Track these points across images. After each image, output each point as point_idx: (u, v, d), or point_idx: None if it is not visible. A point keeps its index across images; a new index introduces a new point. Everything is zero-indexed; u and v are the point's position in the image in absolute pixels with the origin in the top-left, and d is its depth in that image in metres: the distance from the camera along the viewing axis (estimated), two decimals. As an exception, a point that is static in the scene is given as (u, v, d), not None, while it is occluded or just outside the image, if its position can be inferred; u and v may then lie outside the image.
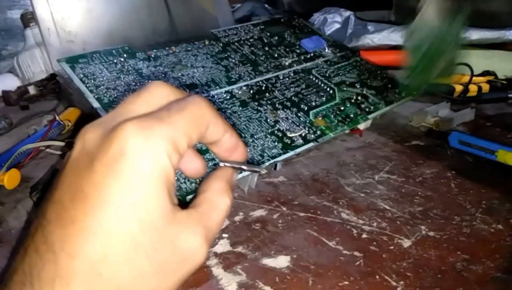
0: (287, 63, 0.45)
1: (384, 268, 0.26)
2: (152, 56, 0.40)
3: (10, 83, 0.53)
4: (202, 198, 0.19)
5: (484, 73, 0.52)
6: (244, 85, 0.40)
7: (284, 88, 0.41)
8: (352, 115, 0.39)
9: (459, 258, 0.27)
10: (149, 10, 0.57)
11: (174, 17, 0.59)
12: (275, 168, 0.36)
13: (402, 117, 0.50)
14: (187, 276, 0.18)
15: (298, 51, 0.47)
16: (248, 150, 0.33)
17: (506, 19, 0.57)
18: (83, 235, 0.15)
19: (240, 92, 0.39)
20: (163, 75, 0.38)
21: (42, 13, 0.50)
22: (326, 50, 0.49)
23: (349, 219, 0.31)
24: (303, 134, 0.36)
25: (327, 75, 0.44)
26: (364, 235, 0.30)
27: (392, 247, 0.27)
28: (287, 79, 0.42)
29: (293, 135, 0.35)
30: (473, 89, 0.56)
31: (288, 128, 0.36)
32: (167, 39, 0.56)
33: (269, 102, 0.38)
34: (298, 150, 0.34)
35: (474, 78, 0.50)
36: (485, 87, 0.51)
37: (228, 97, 0.38)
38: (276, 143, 0.34)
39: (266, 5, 0.81)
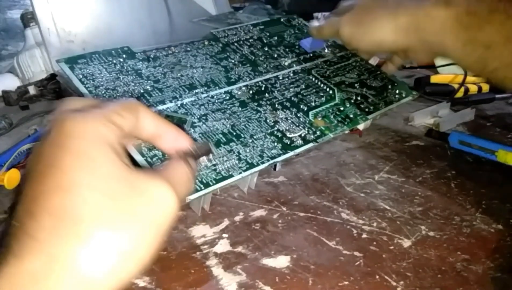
0: (286, 64, 0.45)
1: (384, 268, 0.26)
2: (152, 56, 0.40)
3: (10, 83, 0.53)
4: (161, 168, 0.21)
5: None
6: (244, 86, 0.40)
7: (284, 88, 0.41)
8: (351, 116, 0.39)
9: (459, 258, 0.27)
10: (149, 10, 0.57)
11: (174, 17, 0.59)
12: (274, 169, 0.36)
13: (402, 117, 0.50)
14: (164, 228, 0.18)
15: (297, 51, 0.47)
16: (248, 151, 0.32)
17: None
18: (47, 198, 0.16)
19: (239, 93, 0.39)
20: (162, 76, 0.38)
21: (42, 13, 0.51)
22: (326, 50, 0.49)
23: (349, 219, 0.31)
24: (302, 135, 0.36)
25: (327, 75, 0.44)
26: (364, 235, 0.29)
27: (392, 247, 0.27)
28: (286, 79, 0.42)
29: (292, 135, 0.35)
30: (473, 89, 0.56)
31: (287, 128, 0.36)
32: (167, 39, 0.57)
33: (268, 102, 0.38)
34: (297, 151, 0.34)
35: (474, 78, 0.50)
36: (485, 87, 0.51)
37: (227, 98, 0.38)
38: (275, 144, 0.34)
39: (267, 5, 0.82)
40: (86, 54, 0.37)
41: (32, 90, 0.50)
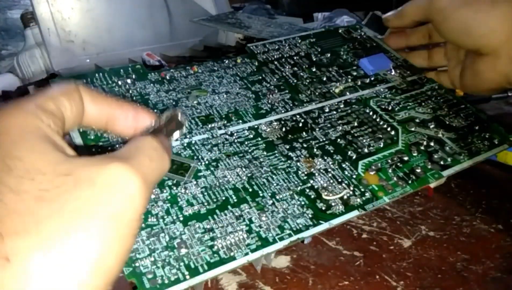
0: (337, 90, 0.35)
1: (384, 268, 0.25)
2: (167, 77, 0.33)
3: (10, 83, 0.52)
4: (119, 149, 0.17)
5: None
6: (276, 120, 0.31)
7: (329, 125, 0.31)
8: (419, 170, 0.29)
9: (459, 258, 0.27)
10: (149, 10, 0.57)
11: (174, 17, 0.59)
12: (302, 242, 0.27)
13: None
14: (121, 207, 0.14)
15: (354, 73, 0.37)
16: (264, 218, 0.24)
17: None
18: None
19: (268, 130, 0.30)
20: (173, 103, 0.31)
21: (42, 13, 0.51)
22: (393, 73, 0.38)
23: (349, 219, 0.27)
24: (345, 197, 0.26)
25: (390, 108, 0.34)
26: (364, 235, 0.30)
27: (392, 247, 0.27)
28: (334, 112, 0.33)
29: (331, 197, 0.26)
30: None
31: (325, 185, 0.27)
32: (167, 39, 0.58)
33: (305, 145, 0.29)
34: (335, 222, 0.25)
35: None
36: None
37: (251, 136, 0.29)
38: (304, 209, 0.25)
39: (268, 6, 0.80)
40: (88, 73, 0.31)
41: (32, 90, 0.49)
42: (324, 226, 0.24)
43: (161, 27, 0.58)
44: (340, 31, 0.43)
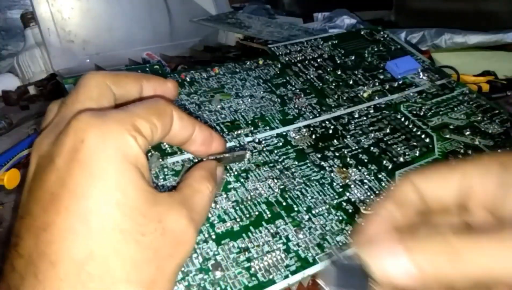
0: (365, 94, 0.33)
1: None
2: (188, 79, 0.31)
3: (10, 83, 0.51)
4: (183, 184, 0.19)
5: (484, 73, 0.48)
6: (304, 126, 0.29)
7: (360, 132, 0.29)
8: (459, 181, 0.27)
9: None
10: (149, 10, 0.56)
11: (174, 17, 0.58)
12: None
13: None
14: (183, 261, 0.17)
15: (381, 76, 0.35)
16: (301, 236, 0.22)
17: (505, 20, 0.60)
18: (60, 237, 0.14)
19: (297, 137, 0.28)
20: (196, 107, 0.29)
21: (42, 13, 0.50)
22: (421, 76, 0.36)
23: None
24: (385, 211, 0.24)
25: (422, 114, 0.32)
26: None
27: None
28: (364, 118, 0.31)
29: (370, 212, 0.24)
30: (473, 88, 0.44)
31: (362, 198, 0.25)
32: (167, 39, 0.57)
33: (337, 153, 0.27)
34: (376, 239, 0.23)
35: (474, 78, 0.46)
36: (485, 87, 0.45)
37: (280, 144, 0.27)
38: (343, 225, 0.23)
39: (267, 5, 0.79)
40: (103, 74, 0.29)
41: (32, 90, 0.48)
42: (366, 243, 0.22)
43: (161, 27, 0.58)
44: (362, 32, 0.41)
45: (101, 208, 0.15)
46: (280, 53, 0.36)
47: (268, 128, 0.28)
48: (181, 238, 0.16)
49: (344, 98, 0.32)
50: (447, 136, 0.30)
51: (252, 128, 0.28)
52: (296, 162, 0.26)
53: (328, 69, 0.35)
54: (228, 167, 0.25)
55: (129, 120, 0.16)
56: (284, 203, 0.23)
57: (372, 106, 0.32)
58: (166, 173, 0.23)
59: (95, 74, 0.19)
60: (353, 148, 0.28)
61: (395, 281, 0.14)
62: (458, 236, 0.13)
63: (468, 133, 0.31)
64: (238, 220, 0.22)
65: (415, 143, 0.29)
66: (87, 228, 0.14)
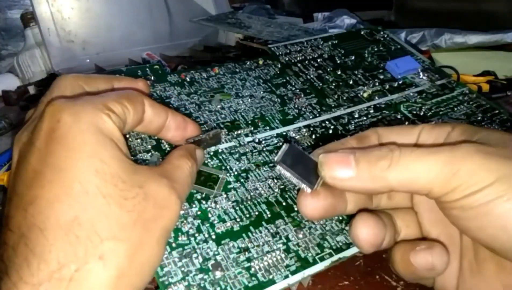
0: (365, 94, 0.33)
1: (384, 268, 0.25)
2: (188, 79, 0.31)
3: (10, 83, 0.51)
4: (163, 162, 0.20)
5: (484, 73, 0.48)
6: (304, 126, 0.29)
7: (360, 132, 0.29)
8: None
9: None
10: (149, 10, 0.57)
11: (174, 17, 0.59)
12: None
13: None
14: (170, 225, 0.18)
15: (381, 76, 0.35)
16: (301, 235, 0.22)
17: (505, 20, 0.60)
18: (46, 207, 0.15)
19: (297, 137, 0.28)
20: (196, 107, 0.29)
21: (42, 13, 0.51)
22: (421, 76, 0.36)
23: None
24: (385, 211, 0.24)
25: (422, 114, 0.32)
26: None
27: None
28: (364, 118, 0.31)
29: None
30: (473, 88, 0.44)
31: (363, 198, 0.25)
32: (167, 39, 0.58)
33: (337, 153, 0.27)
34: (376, 239, 0.23)
35: (474, 78, 0.47)
36: (485, 87, 0.46)
37: (280, 144, 0.27)
38: (343, 225, 0.23)
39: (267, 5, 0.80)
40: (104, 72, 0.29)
41: (32, 90, 0.48)
42: (365, 243, 0.22)
43: (161, 27, 0.58)
44: (362, 32, 0.41)
45: (82, 176, 0.16)
46: (280, 53, 0.36)
47: (268, 128, 0.28)
48: (164, 203, 0.17)
49: (344, 98, 0.32)
50: (447, 136, 0.30)
51: (252, 128, 0.28)
52: (296, 162, 0.26)
53: (328, 69, 0.35)
54: (228, 167, 0.25)
55: (100, 101, 0.17)
56: (284, 203, 0.23)
57: (372, 106, 0.32)
58: (166, 173, 0.23)
59: (67, 76, 0.20)
60: (353, 148, 0.28)
61: (338, 183, 0.18)
62: (402, 148, 0.17)
63: (468, 133, 0.31)
64: (238, 220, 0.22)
65: (415, 143, 0.29)
66: (70, 196, 0.15)
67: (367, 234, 0.19)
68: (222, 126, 0.28)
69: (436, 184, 0.17)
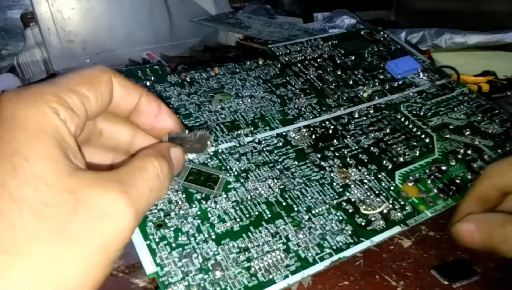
0: (365, 95, 0.33)
1: (384, 268, 0.25)
2: (188, 79, 0.31)
3: (10, 83, 0.52)
4: (125, 163, 0.16)
5: (484, 73, 0.48)
6: (304, 126, 0.29)
7: (360, 132, 0.29)
8: (458, 181, 0.27)
9: (459, 258, 0.26)
10: (149, 10, 0.57)
11: (174, 17, 0.59)
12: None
13: None
14: (113, 242, 0.14)
15: (381, 76, 0.35)
16: (301, 236, 0.22)
17: (505, 20, 0.60)
18: None
19: (297, 137, 0.28)
20: (196, 108, 0.29)
21: (42, 13, 0.51)
22: (421, 76, 0.36)
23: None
24: (384, 211, 0.24)
25: (422, 114, 0.32)
26: None
27: (392, 247, 0.26)
28: (364, 118, 0.31)
29: (370, 212, 0.24)
30: (473, 88, 0.45)
31: (362, 198, 0.25)
32: (167, 39, 0.58)
33: (337, 153, 0.27)
34: (376, 239, 0.23)
35: (474, 78, 0.46)
36: (485, 87, 0.45)
37: (280, 144, 0.27)
38: (343, 225, 0.23)
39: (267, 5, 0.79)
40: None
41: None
42: (365, 244, 0.22)
43: (161, 27, 0.58)
44: (362, 32, 0.41)
45: (9, 190, 0.13)
46: (280, 53, 0.36)
47: (268, 128, 0.28)
48: (105, 213, 0.14)
49: (344, 98, 0.32)
50: (447, 136, 0.30)
51: (252, 128, 0.28)
52: (296, 162, 0.26)
53: (328, 69, 0.35)
54: (228, 167, 0.25)
55: (51, 91, 0.15)
56: (284, 203, 0.23)
57: (372, 106, 0.32)
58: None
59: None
60: (353, 148, 0.28)
61: (462, 240, 0.21)
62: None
63: (468, 133, 0.31)
64: (238, 220, 0.22)
65: (415, 143, 0.29)
66: None
67: None
68: (222, 126, 0.28)
69: None
